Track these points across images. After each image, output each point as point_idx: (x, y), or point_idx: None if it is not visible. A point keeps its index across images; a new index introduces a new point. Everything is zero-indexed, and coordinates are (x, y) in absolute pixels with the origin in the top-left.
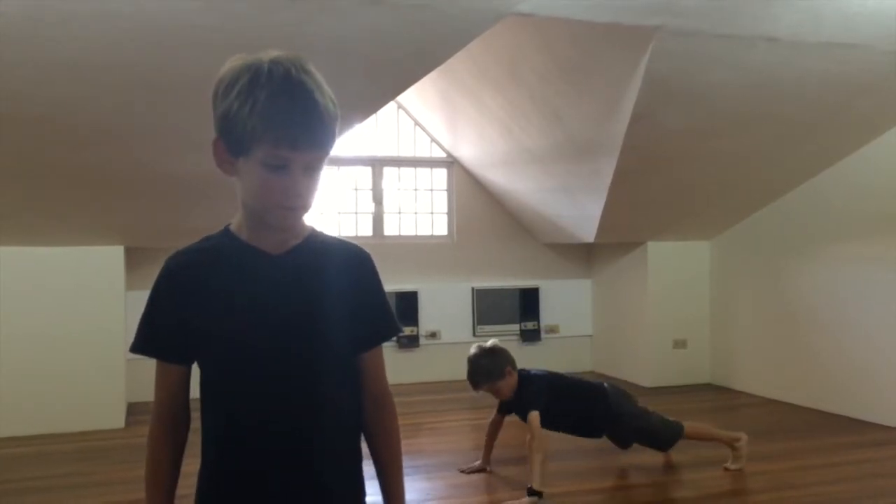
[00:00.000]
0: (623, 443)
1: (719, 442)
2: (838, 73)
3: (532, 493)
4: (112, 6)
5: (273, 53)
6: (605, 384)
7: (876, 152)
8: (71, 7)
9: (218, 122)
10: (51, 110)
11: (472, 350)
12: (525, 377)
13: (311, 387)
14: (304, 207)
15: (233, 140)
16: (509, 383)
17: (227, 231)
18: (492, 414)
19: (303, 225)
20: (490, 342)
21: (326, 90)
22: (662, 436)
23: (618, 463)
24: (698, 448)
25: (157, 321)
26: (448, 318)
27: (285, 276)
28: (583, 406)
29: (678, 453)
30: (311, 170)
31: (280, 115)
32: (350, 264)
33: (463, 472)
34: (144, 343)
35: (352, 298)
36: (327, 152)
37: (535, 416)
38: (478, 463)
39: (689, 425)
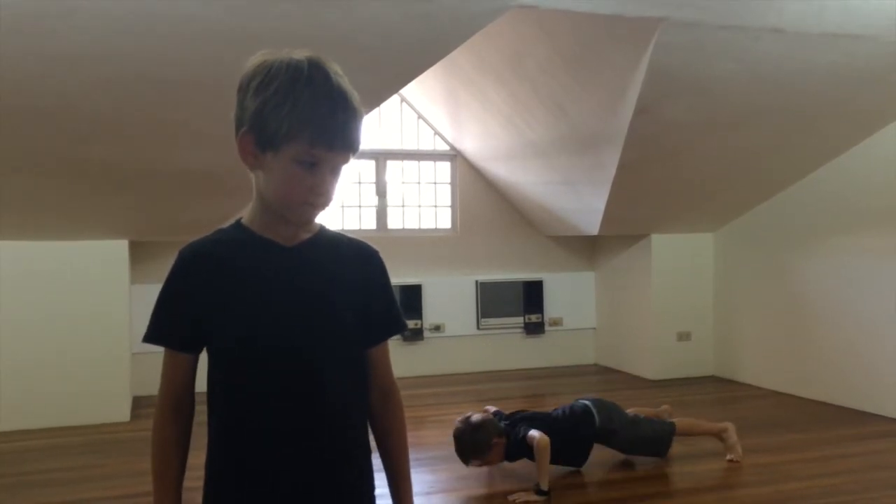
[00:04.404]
0: (622, 451)
1: (708, 435)
2: (843, 65)
3: (540, 492)
4: (114, 0)
5: (304, 53)
6: (589, 404)
7: (880, 144)
8: (73, 2)
9: (250, 116)
10: (53, 104)
11: (457, 425)
12: (511, 430)
13: (320, 379)
14: (326, 205)
15: (264, 135)
16: (497, 452)
17: (238, 224)
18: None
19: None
20: (474, 417)
21: (356, 94)
22: (657, 441)
23: (619, 455)
24: (700, 441)
25: (170, 312)
26: (452, 312)
27: (296, 268)
28: (573, 438)
29: (679, 445)
30: (337, 170)
31: (321, 116)
32: (359, 260)
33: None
34: (158, 333)
35: (360, 293)
36: (355, 154)
37: (534, 432)
38: None
39: (678, 422)
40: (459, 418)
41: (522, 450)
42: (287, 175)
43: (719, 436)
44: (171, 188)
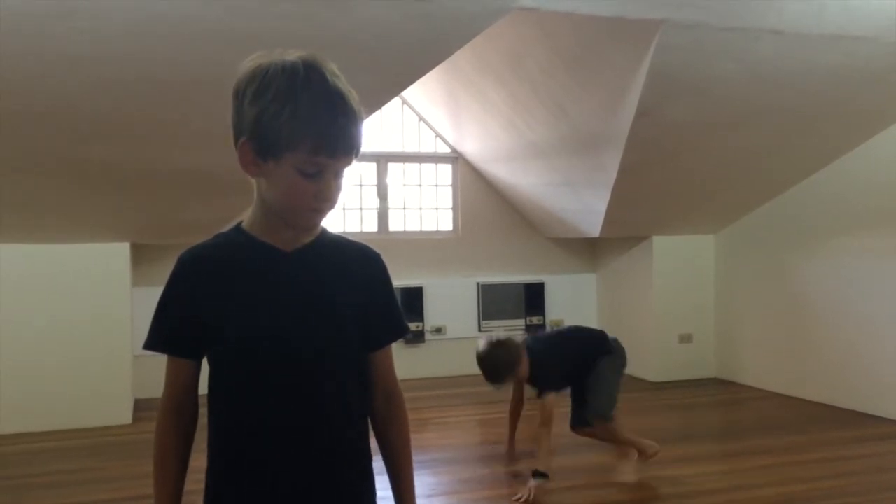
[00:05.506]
0: (583, 388)
1: (627, 447)
2: (843, 66)
3: (538, 474)
4: (116, 1)
5: (297, 54)
6: (611, 337)
7: (881, 145)
8: (74, 3)
9: (249, 124)
10: (54, 105)
11: (482, 347)
12: (534, 355)
13: (321, 383)
14: (331, 209)
15: (265, 144)
16: (524, 366)
17: (238, 228)
18: (505, 405)
19: None
20: (496, 334)
21: (354, 93)
22: (598, 404)
23: (615, 459)
24: (700, 442)
25: (170, 318)
26: (453, 314)
27: (297, 273)
28: (585, 358)
29: (680, 447)
30: (340, 174)
31: (321, 124)
32: (361, 263)
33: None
34: (158, 340)
35: (362, 297)
36: (357, 157)
37: (550, 399)
38: (505, 449)
39: (609, 426)
40: (479, 345)
41: (536, 387)
42: (290, 183)
43: (629, 452)
44: (173, 190)
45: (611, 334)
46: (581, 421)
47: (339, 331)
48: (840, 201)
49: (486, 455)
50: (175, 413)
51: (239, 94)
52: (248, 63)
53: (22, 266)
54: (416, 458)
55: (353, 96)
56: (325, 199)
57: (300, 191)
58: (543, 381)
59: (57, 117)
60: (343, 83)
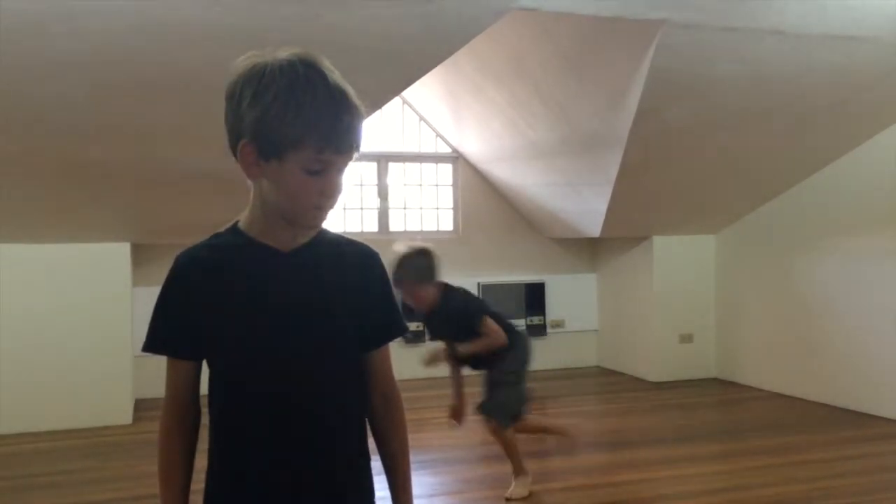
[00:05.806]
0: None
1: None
2: (844, 66)
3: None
4: (116, 2)
5: (290, 51)
6: (518, 330)
7: (882, 145)
8: (74, 4)
9: (251, 126)
10: (55, 106)
11: (406, 247)
12: (451, 290)
13: (318, 384)
14: (334, 205)
15: (267, 144)
16: (432, 293)
17: (235, 228)
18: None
19: None
20: (423, 243)
21: (352, 89)
22: (493, 406)
23: (616, 459)
24: (699, 443)
25: (167, 319)
26: None
27: (295, 273)
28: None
29: (679, 447)
30: (343, 170)
31: (326, 121)
32: (359, 263)
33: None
34: (156, 342)
35: (360, 296)
36: (359, 152)
37: (488, 319)
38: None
39: (506, 435)
40: (403, 245)
41: (455, 325)
42: (295, 182)
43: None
44: (174, 191)
45: (520, 328)
46: (485, 410)
47: (336, 330)
48: (840, 201)
49: (486, 455)
50: (178, 415)
51: (235, 96)
52: (242, 63)
53: (22, 266)
54: (416, 458)
55: (353, 92)
56: (328, 195)
57: (306, 189)
58: (469, 306)
59: (57, 118)
60: (341, 79)
